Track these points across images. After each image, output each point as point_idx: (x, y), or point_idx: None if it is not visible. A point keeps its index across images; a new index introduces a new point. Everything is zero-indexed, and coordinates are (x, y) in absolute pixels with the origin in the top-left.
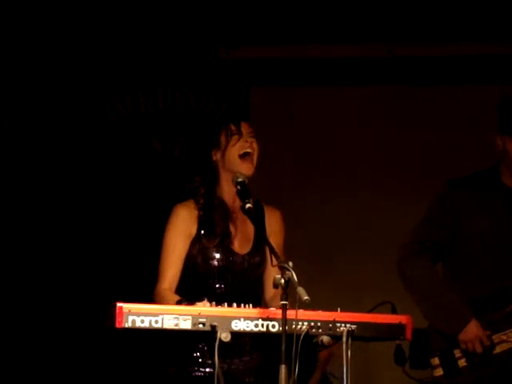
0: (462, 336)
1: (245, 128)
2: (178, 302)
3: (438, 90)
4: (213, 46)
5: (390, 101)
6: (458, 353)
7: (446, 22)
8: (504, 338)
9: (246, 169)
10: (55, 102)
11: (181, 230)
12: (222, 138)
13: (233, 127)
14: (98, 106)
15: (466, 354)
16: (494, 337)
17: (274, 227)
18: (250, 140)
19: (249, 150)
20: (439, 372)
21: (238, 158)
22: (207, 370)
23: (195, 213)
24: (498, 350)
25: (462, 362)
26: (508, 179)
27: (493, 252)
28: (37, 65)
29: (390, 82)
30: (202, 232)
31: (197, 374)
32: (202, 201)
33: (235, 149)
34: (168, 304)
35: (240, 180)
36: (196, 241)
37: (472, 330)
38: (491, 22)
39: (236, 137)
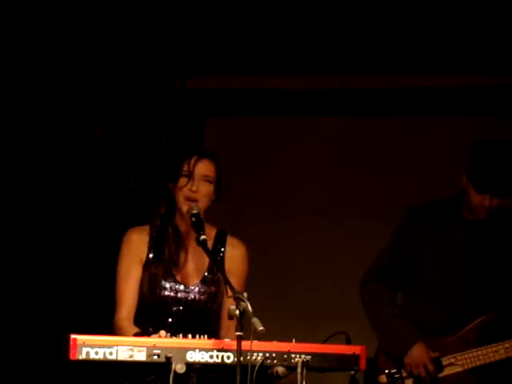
0: (407, 359)
1: (201, 168)
2: (135, 335)
3: (391, 121)
4: (168, 77)
5: (344, 131)
6: (405, 372)
7: (399, 53)
8: (453, 360)
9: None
10: (9, 132)
11: (133, 256)
12: (176, 175)
13: (185, 168)
14: (52, 137)
15: (412, 374)
16: (443, 359)
17: (235, 264)
18: (197, 186)
19: (192, 198)
20: None
21: (183, 199)
22: None
23: (146, 237)
24: (445, 372)
25: (409, 382)
26: (467, 212)
27: (448, 281)
28: None
29: (343, 113)
30: (151, 257)
31: None
32: (158, 222)
33: (182, 192)
34: (126, 335)
35: (195, 212)
36: (145, 267)
37: (417, 354)
38: (445, 54)
39: (185, 179)
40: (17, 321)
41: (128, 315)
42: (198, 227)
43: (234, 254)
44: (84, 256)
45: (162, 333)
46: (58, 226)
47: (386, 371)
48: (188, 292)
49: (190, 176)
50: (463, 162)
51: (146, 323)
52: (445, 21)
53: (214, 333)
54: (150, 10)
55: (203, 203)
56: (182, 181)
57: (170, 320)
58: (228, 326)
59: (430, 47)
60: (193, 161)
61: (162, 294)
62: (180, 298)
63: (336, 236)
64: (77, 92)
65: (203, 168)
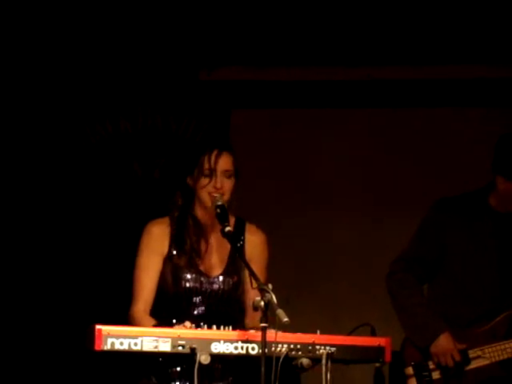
0: (433, 349)
1: (222, 164)
2: (154, 327)
3: (416, 113)
4: (193, 68)
5: (369, 123)
6: (432, 364)
7: (424, 45)
8: (480, 353)
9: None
10: (34, 122)
11: (153, 249)
12: (195, 171)
13: (206, 166)
14: (78, 127)
15: (440, 366)
16: (470, 351)
17: (255, 251)
18: (220, 183)
19: (215, 195)
20: (413, 382)
21: (207, 195)
22: None
23: (168, 230)
24: (473, 365)
25: (436, 374)
26: (495, 202)
27: (476, 274)
28: (17, 84)
29: (368, 104)
30: (173, 249)
31: None
32: (176, 214)
33: (205, 189)
34: (142, 327)
35: (219, 204)
36: (168, 259)
37: (443, 343)
38: (470, 46)
39: (207, 178)
40: (41, 312)
41: (144, 307)
42: (223, 218)
43: (254, 241)
44: (109, 247)
45: (187, 323)
46: (83, 216)
47: (413, 363)
48: (212, 283)
49: (212, 174)
50: (489, 152)
51: (171, 315)
52: (470, 13)
53: (238, 322)
54: (176, 2)
55: (227, 197)
56: (204, 180)
57: (194, 311)
58: (253, 314)
59: (455, 39)
60: (213, 157)
61: (186, 285)
62: (204, 290)
63: (361, 227)
64: (103, 83)
65: (224, 164)
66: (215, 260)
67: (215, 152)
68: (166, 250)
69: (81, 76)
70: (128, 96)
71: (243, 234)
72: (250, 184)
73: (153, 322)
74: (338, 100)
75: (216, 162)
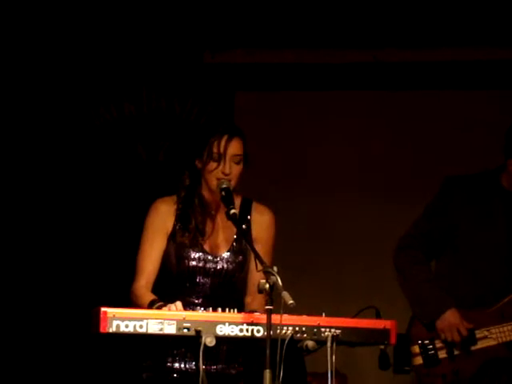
0: (440, 324)
1: (231, 149)
2: (151, 302)
3: (421, 95)
4: (197, 50)
5: (374, 105)
6: (438, 343)
7: (429, 28)
8: (486, 333)
9: None
10: (39, 105)
11: (158, 227)
12: (204, 154)
13: (215, 149)
14: (83, 111)
15: (446, 345)
16: (477, 331)
17: (262, 230)
18: (229, 169)
19: (223, 179)
20: (419, 361)
21: (214, 180)
22: (175, 375)
23: (173, 208)
24: (479, 345)
25: (442, 353)
26: (507, 183)
27: (485, 253)
28: (22, 68)
29: (374, 87)
30: (178, 227)
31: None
32: (183, 193)
33: (212, 174)
34: (142, 302)
35: (224, 186)
36: (172, 237)
37: (449, 318)
38: (474, 28)
39: (215, 163)
40: (46, 295)
41: (146, 283)
42: (228, 201)
43: (261, 220)
44: (114, 230)
45: (178, 303)
46: (88, 199)
47: (419, 342)
48: (216, 262)
49: (221, 158)
50: (497, 135)
51: (175, 295)
52: None
53: (242, 303)
54: None
55: (234, 182)
56: (213, 164)
57: (198, 291)
58: (254, 292)
59: (461, 21)
60: (223, 142)
61: (190, 264)
62: (209, 269)
63: (365, 210)
64: (107, 66)
65: (233, 149)
66: (221, 239)
67: (225, 137)
68: (170, 228)
69: (85, 59)
70: (132, 79)
71: (250, 214)
72: (253, 166)
73: (151, 297)
74: (343, 82)
75: (226, 148)
